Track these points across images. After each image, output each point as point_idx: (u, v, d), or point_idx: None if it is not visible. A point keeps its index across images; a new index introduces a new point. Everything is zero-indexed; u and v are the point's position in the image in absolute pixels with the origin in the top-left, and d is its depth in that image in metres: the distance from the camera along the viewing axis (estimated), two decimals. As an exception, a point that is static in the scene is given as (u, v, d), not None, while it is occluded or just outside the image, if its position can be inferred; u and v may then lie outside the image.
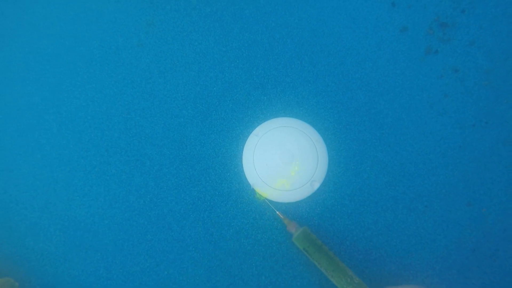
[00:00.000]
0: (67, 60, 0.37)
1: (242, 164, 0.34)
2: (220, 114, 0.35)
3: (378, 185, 0.33)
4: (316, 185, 0.33)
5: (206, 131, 0.35)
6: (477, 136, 0.32)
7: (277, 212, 0.32)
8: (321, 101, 0.34)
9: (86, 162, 0.36)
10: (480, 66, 0.33)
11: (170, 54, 0.37)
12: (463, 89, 0.33)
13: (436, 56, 0.33)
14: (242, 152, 0.34)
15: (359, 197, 0.33)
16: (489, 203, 0.32)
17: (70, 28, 0.38)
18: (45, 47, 0.38)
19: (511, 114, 0.32)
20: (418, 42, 0.34)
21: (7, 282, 0.33)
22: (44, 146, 0.36)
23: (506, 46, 0.32)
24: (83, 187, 0.36)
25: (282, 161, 0.33)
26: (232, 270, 0.33)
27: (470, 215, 0.31)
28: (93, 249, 0.35)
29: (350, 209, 0.33)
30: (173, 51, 0.37)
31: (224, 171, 0.34)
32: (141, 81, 0.36)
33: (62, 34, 0.38)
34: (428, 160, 0.32)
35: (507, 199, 0.31)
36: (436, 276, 0.31)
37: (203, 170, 0.35)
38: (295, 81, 0.35)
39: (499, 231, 0.31)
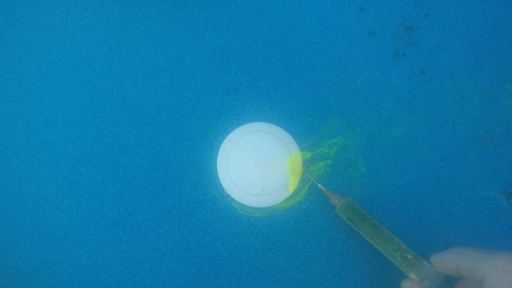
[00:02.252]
0: (35, 69, 0.35)
1: (216, 170, 0.32)
2: (194, 121, 0.33)
3: (352, 187, 0.32)
4: (292, 189, 0.31)
5: (180, 138, 0.33)
6: (445, 136, 0.32)
7: (319, 185, 0.31)
8: (294, 104, 0.33)
9: (56, 174, 0.33)
10: (445, 67, 0.32)
11: (141, 61, 0.35)
12: (430, 90, 0.32)
13: (404, 58, 0.33)
14: (217, 158, 0.32)
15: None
16: (458, 200, 0.31)
17: (37, 35, 0.35)
18: (11, 56, 0.35)
19: (475, 114, 0.32)
20: (386, 45, 0.33)
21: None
22: (11, 159, 0.34)
23: (467, 48, 0.32)
24: (54, 199, 0.33)
25: (256, 166, 0.31)
26: (209, 277, 0.31)
27: (441, 213, 0.31)
28: (66, 263, 0.32)
29: (325, 211, 0.32)
30: (145, 58, 0.35)
31: (198, 178, 0.33)
32: (113, 89, 0.34)
33: (30, 41, 0.35)
34: (399, 160, 0.32)
35: (474, 195, 0.31)
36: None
37: (178, 177, 0.32)
38: (267, 85, 0.34)
39: (468, 227, 0.31)
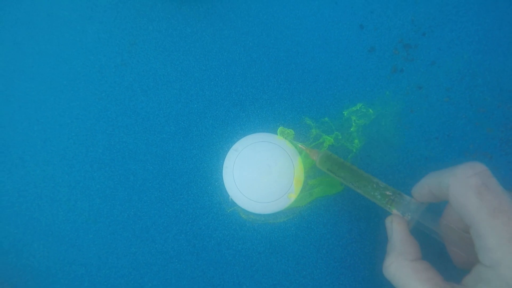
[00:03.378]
0: (51, 78, 0.36)
1: (222, 178, 0.33)
2: (201, 130, 0.35)
3: (351, 196, 0.33)
4: (293, 197, 0.32)
5: (188, 146, 0.35)
6: (441, 148, 0.33)
7: (299, 144, 0.31)
8: (297, 116, 0.34)
9: (70, 178, 0.35)
10: (441, 83, 0.33)
11: (152, 73, 0.36)
12: (427, 105, 0.33)
13: (402, 74, 0.34)
14: (222, 167, 0.33)
15: (333, 208, 0.33)
16: (452, 210, 0.32)
17: (55, 47, 0.37)
18: (29, 66, 0.36)
19: (470, 128, 0.33)
20: (385, 62, 0.34)
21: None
22: (28, 163, 0.35)
23: (462, 66, 0.33)
24: (68, 202, 0.34)
25: (260, 174, 0.32)
26: (214, 280, 0.32)
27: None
28: (77, 263, 0.33)
29: (325, 219, 0.33)
30: (155, 70, 0.36)
31: (205, 185, 0.33)
32: (124, 99, 0.36)
33: (47, 52, 0.37)
34: (396, 172, 0.33)
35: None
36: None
37: (185, 184, 0.33)
38: (271, 98, 0.35)
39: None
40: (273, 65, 0.35)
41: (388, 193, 0.26)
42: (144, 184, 0.33)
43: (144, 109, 0.35)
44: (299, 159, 0.32)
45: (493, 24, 0.33)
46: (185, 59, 0.35)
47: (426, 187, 0.24)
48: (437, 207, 0.26)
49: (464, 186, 0.20)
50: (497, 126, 0.32)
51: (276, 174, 0.32)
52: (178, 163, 0.34)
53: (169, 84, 0.35)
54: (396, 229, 0.25)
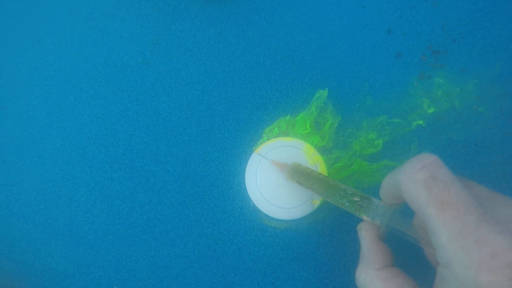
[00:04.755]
0: (72, 76, 0.35)
1: (244, 182, 0.32)
2: (224, 133, 0.33)
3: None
4: (317, 203, 0.31)
5: (210, 149, 0.33)
6: (468, 158, 0.32)
7: (270, 160, 0.30)
8: (321, 121, 0.33)
9: (89, 178, 0.34)
10: (470, 91, 0.32)
11: (174, 73, 0.35)
12: (455, 113, 0.32)
13: (429, 81, 0.33)
14: (245, 171, 0.32)
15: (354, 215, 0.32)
16: (478, 221, 0.31)
17: (76, 44, 0.36)
18: (51, 63, 0.35)
19: (499, 137, 0.32)
20: (412, 68, 0.33)
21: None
22: (47, 162, 0.34)
23: (493, 73, 0.32)
24: (86, 203, 0.33)
25: (284, 179, 0.31)
26: (234, 286, 0.31)
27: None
28: (95, 265, 0.32)
29: (349, 226, 0.31)
30: (178, 70, 0.35)
31: (227, 189, 0.32)
32: (146, 98, 0.35)
33: (68, 50, 0.36)
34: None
35: (495, 217, 0.31)
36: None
37: (207, 187, 0.32)
38: (296, 102, 0.34)
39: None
40: (297, 68, 0.34)
41: (356, 199, 0.25)
42: (165, 186, 0.32)
43: (166, 109, 0.34)
44: (323, 165, 0.31)
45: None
46: (208, 60, 0.34)
47: (385, 188, 0.22)
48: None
49: (412, 181, 0.18)
50: (526, 136, 0.31)
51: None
52: (200, 165, 0.33)
53: (192, 85, 0.34)
54: (364, 236, 0.23)
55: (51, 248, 0.32)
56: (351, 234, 0.31)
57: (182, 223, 0.32)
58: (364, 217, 0.24)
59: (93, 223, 0.32)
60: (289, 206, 0.31)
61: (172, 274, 0.31)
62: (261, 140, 0.31)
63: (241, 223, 0.32)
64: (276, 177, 0.31)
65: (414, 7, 0.33)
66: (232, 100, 0.33)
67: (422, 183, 0.17)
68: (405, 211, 0.23)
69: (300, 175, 0.28)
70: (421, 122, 0.32)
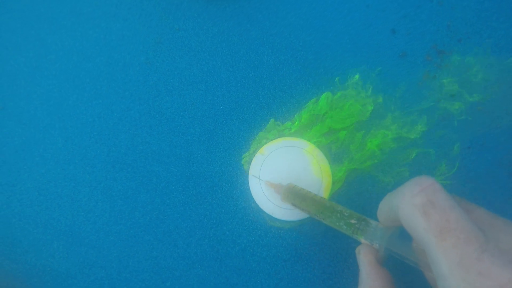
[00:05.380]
0: (74, 76, 0.35)
1: (248, 183, 0.32)
2: (227, 133, 0.33)
3: (377, 204, 0.31)
4: (320, 204, 0.31)
5: (213, 149, 0.33)
6: (473, 158, 0.31)
7: (265, 181, 0.29)
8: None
9: (91, 178, 0.33)
10: (475, 91, 0.32)
11: (177, 73, 0.34)
12: (460, 113, 0.32)
13: (434, 81, 0.32)
14: (249, 171, 0.32)
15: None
16: (483, 222, 0.31)
17: (78, 44, 0.35)
18: (52, 63, 0.35)
19: (505, 138, 0.31)
20: (416, 68, 0.33)
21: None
22: (49, 161, 0.34)
23: (499, 74, 0.32)
24: (88, 203, 0.33)
25: (287, 180, 0.31)
26: (237, 287, 0.31)
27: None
28: (98, 265, 0.32)
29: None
30: (181, 70, 0.35)
31: (230, 189, 0.32)
32: (148, 98, 0.34)
33: (69, 49, 0.35)
34: (426, 180, 0.31)
35: (500, 218, 0.30)
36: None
37: (210, 187, 0.32)
38: (300, 102, 0.33)
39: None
40: (301, 68, 0.33)
41: (353, 221, 0.24)
42: (167, 187, 0.32)
43: (168, 109, 0.33)
44: (327, 165, 0.31)
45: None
46: (211, 59, 0.34)
47: (383, 211, 0.21)
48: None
49: (410, 206, 0.17)
50: (532, 137, 0.31)
51: (303, 180, 0.30)
52: (203, 166, 0.32)
53: (195, 85, 0.34)
54: (363, 260, 0.22)
55: (52, 248, 0.32)
56: (355, 235, 0.31)
57: (185, 224, 0.31)
58: (362, 240, 0.24)
59: (95, 224, 0.32)
60: (292, 207, 0.30)
61: (175, 275, 0.31)
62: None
63: (245, 223, 0.31)
64: (279, 177, 0.30)
65: (419, 7, 0.33)
66: (236, 100, 0.33)
67: (420, 209, 0.17)
68: (404, 233, 0.22)
69: (295, 196, 0.27)
70: (424, 128, 0.31)
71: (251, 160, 0.32)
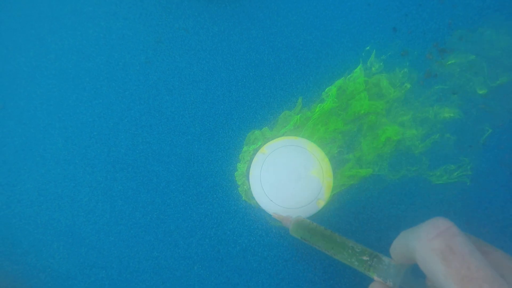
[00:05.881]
0: (74, 76, 0.35)
1: (249, 182, 0.32)
2: (227, 132, 0.33)
3: (381, 204, 0.31)
4: (321, 203, 0.31)
5: (214, 148, 0.33)
6: (474, 157, 0.31)
7: (272, 213, 0.29)
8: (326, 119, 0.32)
9: (92, 178, 0.33)
10: (476, 90, 0.32)
11: (177, 72, 0.34)
12: (461, 112, 0.32)
13: (436, 79, 0.32)
14: (249, 170, 0.32)
15: (362, 215, 0.31)
16: (486, 221, 0.30)
17: (78, 43, 0.35)
18: (52, 62, 0.35)
19: (506, 137, 0.31)
20: (418, 66, 0.33)
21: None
22: (49, 162, 0.33)
23: (501, 72, 0.32)
24: (89, 203, 0.33)
25: (289, 179, 0.31)
26: (238, 287, 0.31)
27: (469, 233, 0.30)
28: (98, 266, 0.32)
29: (354, 227, 0.31)
30: (181, 69, 0.34)
31: (231, 189, 0.32)
32: (149, 97, 0.34)
33: (69, 49, 0.35)
34: (428, 180, 0.31)
35: (503, 217, 0.30)
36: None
37: (210, 187, 0.32)
38: (301, 101, 0.33)
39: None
40: (302, 67, 0.33)
41: (365, 258, 0.24)
42: (168, 187, 0.32)
43: (168, 108, 0.33)
44: (328, 165, 0.31)
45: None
46: (211, 59, 0.34)
47: (397, 249, 0.21)
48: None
49: (428, 251, 0.17)
50: (534, 135, 0.30)
51: (304, 179, 0.30)
52: (203, 165, 0.32)
53: (195, 84, 0.33)
54: None
55: (52, 249, 0.32)
56: (356, 234, 0.30)
57: (185, 224, 0.31)
58: (375, 277, 0.23)
59: (96, 224, 0.32)
60: (294, 207, 0.30)
61: (176, 275, 0.31)
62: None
63: (246, 223, 0.31)
64: (280, 177, 0.30)
65: (420, 5, 0.33)
66: (236, 99, 0.33)
67: (438, 255, 0.16)
68: (417, 270, 0.22)
69: (304, 231, 0.27)
70: (419, 129, 0.31)
71: (252, 159, 0.31)
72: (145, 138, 0.33)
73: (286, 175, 0.30)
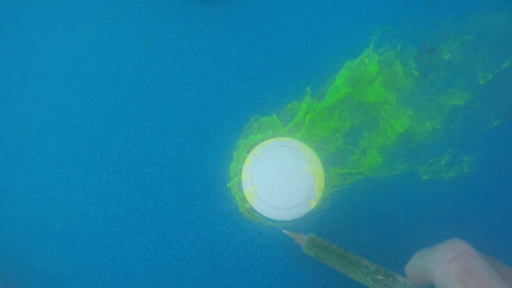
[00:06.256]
0: (67, 79, 0.35)
1: (241, 183, 0.32)
2: (219, 134, 0.33)
3: (372, 203, 0.31)
4: (313, 204, 0.31)
5: (206, 150, 0.33)
6: (465, 155, 0.31)
7: (284, 231, 0.29)
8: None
9: (85, 181, 0.33)
10: (464, 89, 0.32)
11: (169, 75, 0.34)
12: (451, 111, 0.32)
13: (425, 79, 0.33)
14: (242, 171, 0.32)
15: (354, 215, 0.31)
16: (476, 218, 0.31)
17: (70, 47, 0.35)
18: (44, 66, 0.35)
19: (495, 135, 0.31)
20: (407, 66, 0.33)
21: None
22: (42, 165, 0.33)
23: (489, 71, 0.32)
24: (82, 206, 0.33)
25: (281, 179, 0.31)
26: (232, 288, 0.31)
27: (459, 230, 0.30)
28: (92, 269, 0.32)
29: (346, 226, 0.31)
30: (173, 72, 0.35)
31: (223, 190, 0.32)
32: (141, 100, 0.34)
33: (62, 53, 0.35)
34: (419, 178, 0.31)
35: (492, 214, 0.31)
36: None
37: (203, 189, 0.32)
38: (292, 101, 0.33)
39: (486, 245, 0.30)
40: (293, 68, 0.33)
41: (380, 277, 0.24)
42: (161, 189, 0.32)
43: (161, 111, 0.33)
44: (320, 165, 0.31)
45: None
46: (203, 61, 0.34)
47: (414, 270, 0.21)
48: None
49: (446, 273, 0.17)
50: (522, 133, 0.31)
51: (296, 180, 0.30)
52: (196, 167, 0.32)
53: (187, 86, 0.34)
54: None
55: (46, 253, 0.32)
56: (348, 234, 0.31)
57: (178, 225, 0.31)
58: None
59: (89, 227, 0.32)
60: (286, 207, 0.30)
61: (169, 276, 0.31)
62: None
63: (238, 224, 0.31)
64: (272, 177, 0.30)
65: (408, 6, 0.33)
66: (228, 101, 0.33)
67: (456, 278, 0.16)
68: None
69: (318, 249, 0.27)
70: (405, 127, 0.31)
71: (244, 160, 0.32)
72: (138, 141, 0.33)
73: (278, 175, 0.30)
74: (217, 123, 0.33)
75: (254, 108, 0.33)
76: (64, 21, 0.35)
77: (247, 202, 0.31)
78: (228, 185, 0.29)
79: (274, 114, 0.31)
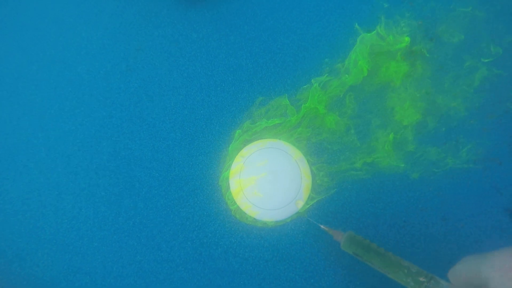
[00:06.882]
0: (56, 85, 0.35)
1: (229, 185, 0.32)
2: (207, 136, 0.33)
3: (359, 203, 0.32)
4: (300, 204, 0.31)
5: (194, 153, 0.33)
6: (450, 154, 0.32)
7: (321, 226, 0.29)
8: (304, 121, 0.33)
9: (75, 186, 0.33)
10: (448, 89, 0.33)
11: (158, 79, 0.35)
12: (435, 111, 0.32)
13: (410, 80, 0.33)
14: (229, 174, 0.32)
15: (341, 215, 0.32)
16: (461, 216, 0.31)
17: (59, 53, 0.36)
18: (34, 72, 0.35)
19: (478, 133, 0.32)
20: (400, 62, 0.34)
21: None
22: (32, 171, 0.34)
23: (470, 71, 0.32)
24: (72, 210, 0.33)
25: (267, 181, 0.31)
26: (221, 289, 0.31)
27: (445, 229, 0.31)
28: (82, 272, 0.32)
29: (333, 226, 0.31)
30: (161, 76, 0.35)
31: (212, 192, 0.32)
32: (130, 105, 0.35)
33: (51, 59, 0.35)
34: (405, 177, 0.32)
35: (478, 212, 0.31)
36: None
37: (191, 191, 0.32)
38: (279, 103, 0.34)
39: (471, 243, 0.31)
40: (279, 70, 0.34)
41: (422, 279, 0.24)
42: (150, 191, 0.32)
43: (149, 115, 0.34)
44: (307, 166, 0.31)
45: (505, 31, 0.32)
46: (191, 65, 0.34)
47: (463, 275, 0.21)
48: None
49: (505, 280, 0.18)
50: (505, 131, 0.31)
51: (283, 181, 0.31)
52: (184, 169, 0.33)
53: (175, 90, 0.34)
54: None
55: (37, 257, 0.32)
56: (336, 233, 0.31)
57: (167, 228, 0.32)
58: None
59: (79, 230, 0.32)
60: (273, 208, 0.31)
61: (159, 278, 0.31)
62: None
63: (226, 225, 0.32)
64: (260, 179, 0.31)
65: (391, 8, 0.33)
66: (215, 103, 0.34)
67: None
68: None
69: (357, 247, 0.27)
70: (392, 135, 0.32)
71: (231, 164, 0.32)
72: (127, 145, 0.33)
73: (265, 177, 0.31)
74: (205, 126, 0.33)
75: (241, 110, 0.33)
76: (54, 27, 0.35)
77: (234, 203, 0.31)
78: (222, 176, 0.29)
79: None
